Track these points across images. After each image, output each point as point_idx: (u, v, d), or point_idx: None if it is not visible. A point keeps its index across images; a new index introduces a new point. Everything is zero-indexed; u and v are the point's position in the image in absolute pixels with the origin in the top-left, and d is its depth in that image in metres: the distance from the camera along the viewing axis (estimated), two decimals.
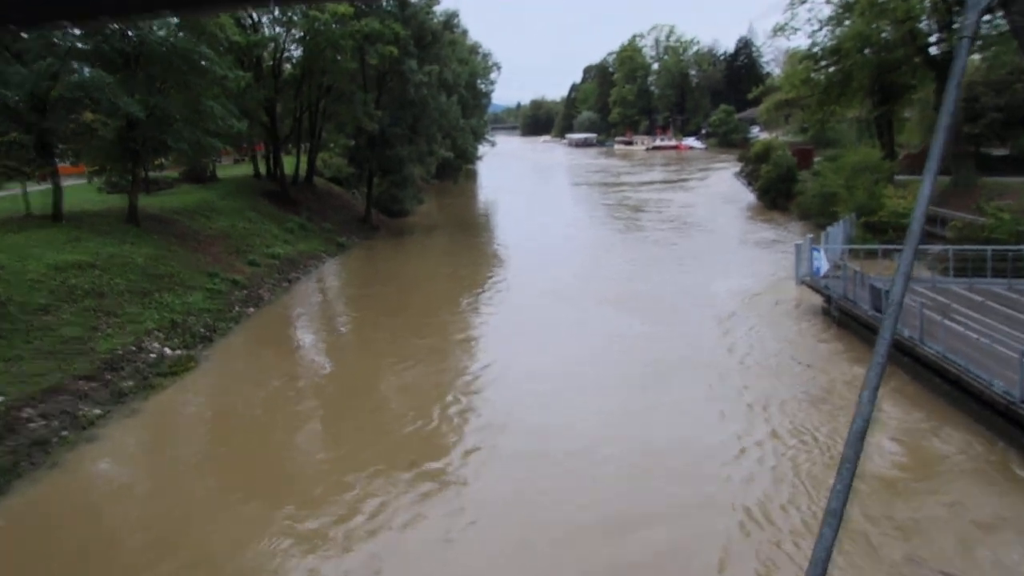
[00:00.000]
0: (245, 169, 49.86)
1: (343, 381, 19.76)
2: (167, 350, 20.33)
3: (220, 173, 45.06)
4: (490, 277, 32.22)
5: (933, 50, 40.12)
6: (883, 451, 13.81)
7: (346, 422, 16.67)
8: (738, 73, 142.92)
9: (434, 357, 21.06)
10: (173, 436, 16.37)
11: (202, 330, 22.52)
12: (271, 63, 42.77)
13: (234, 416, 17.28)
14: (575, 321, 24.18)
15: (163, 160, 36.96)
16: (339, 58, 39.44)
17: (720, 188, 65.34)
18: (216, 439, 16.17)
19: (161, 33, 25.95)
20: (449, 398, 17.48)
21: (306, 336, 24.92)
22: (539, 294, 27.95)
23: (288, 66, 44.99)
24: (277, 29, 41.39)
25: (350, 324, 26.42)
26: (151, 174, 38.51)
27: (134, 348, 19.56)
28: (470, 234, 47.59)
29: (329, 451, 15.07)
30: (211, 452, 15.40)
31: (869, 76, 43.60)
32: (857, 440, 2.83)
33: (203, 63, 26.76)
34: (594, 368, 19.50)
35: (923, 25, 39.97)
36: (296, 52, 44.13)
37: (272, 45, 41.99)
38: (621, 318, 24.33)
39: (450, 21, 50.20)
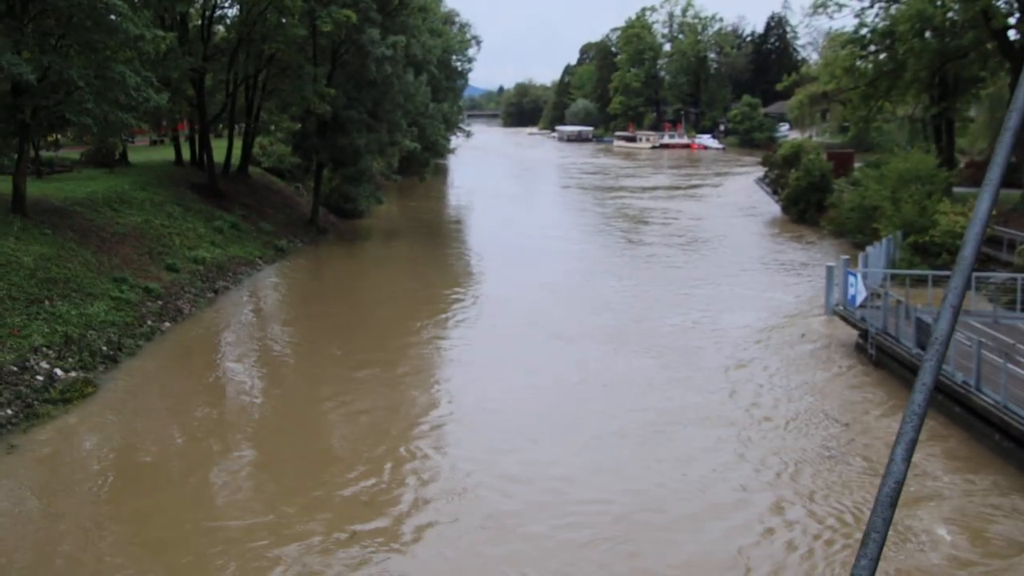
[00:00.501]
0: (164, 153, 49.57)
1: (273, 420, 19.48)
2: (59, 371, 20.01)
3: (133, 157, 44.74)
4: (458, 299, 32.10)
5: (1012, 34, 39.84)
6: (936, 539, 13.45)
7: (273, 475, 16.34)
8: (767, 59, 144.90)
9: (385, 395, 20.79)
10: (59, 482, 15.98)
11: (104, 348, 22.20)
12: (199, 23, 42.62)
13: (138, 459, 16.94)
14: (556, 358, 23.88)
15: (58, 137, 36.61)
16: (284, 21, 39.37)
17: (738, 197, 65.98)
18: (113, 488, 15.82)
19: None
20: (400, 450, 17.17)
21: (232, 361, 24.61)
22: (516, 323, 27.75)
23: (221, 28, 44.83)
24: None
25: (286, 349, 26.18)
26: (44, 154, 38.10)
27: (16, 368, 19.20)
28: (437, 244, 47.56)
29: (249, 511, 14.65)
30: (104, 507, 14.99)
31: (928, 66, 43.86)
32: (887, 506, 2.79)
33: (112, 18, 26.45)
34: (576, 416, 19.19)
35: (1001, 3, 39.69)
36: (231, 11, 44.08)
37: (201, 0, 41.87)
38: (613, 356, 24.08)
39: None
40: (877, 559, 2.77)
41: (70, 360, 20.74)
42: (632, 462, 16.70)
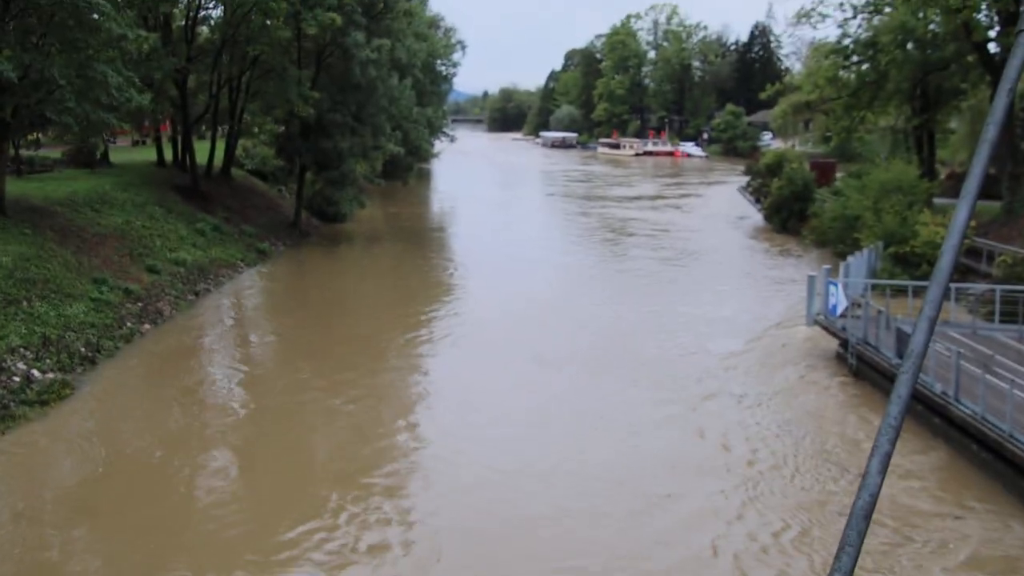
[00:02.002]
0: (146, 153, 49.34)
1: (246, 436, 18.98)
2: (36, 372, 19.87)
3: (114, 157, 44.51)
4: (438, 311, 31.37)
5: (992, 47, 39.98)
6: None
7: (240, 507, 15.75)
8: (751, 67, 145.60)
9: (356, 425, 19.86)
10: (34, 490, 15.83)
11: (83, 349, 22.07)
12: (183, 24, 42.52)
13: (112, 464, 16.81)
14: (537, 387, 22.31)
15: (39, 136, 36.43)
16: (268, 23, 39.28)
17: (721, 206, 66.13)
18: (85, 495, 15.72)
19: None
20: (363, 495, 15.89)
21: (210, 367, 24.42)
22: (496, 342, 26.55)
23: (205, 29, 44.72)
24: None
25: (265, 357, 26.13)
26: (24, 152, 37.88)
27: None
28: (419, 250, 47.30)
29: (210, 538, 14.16)
30: (77, 515, 14.86)
31: (909, 77, 44.29)
32: (862, 518, 2.77)
33: (95, 17, 26.31)
34: (549, 455, 17.75)
35: (982, 16, 39.68)
36: (215, 12, 43.99)
37: (184, 1, 41.77)
38: (595, 385, 22.68)
39: None
40: (851, 573, 2.76)
41: (48, 361, 20.59)
42: (615, 527, 15.14)
